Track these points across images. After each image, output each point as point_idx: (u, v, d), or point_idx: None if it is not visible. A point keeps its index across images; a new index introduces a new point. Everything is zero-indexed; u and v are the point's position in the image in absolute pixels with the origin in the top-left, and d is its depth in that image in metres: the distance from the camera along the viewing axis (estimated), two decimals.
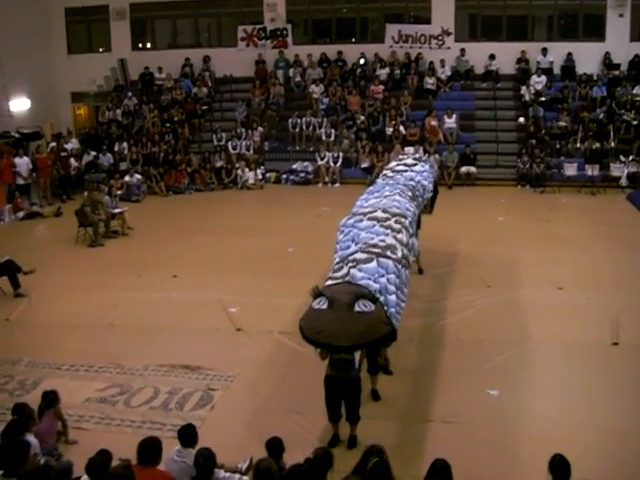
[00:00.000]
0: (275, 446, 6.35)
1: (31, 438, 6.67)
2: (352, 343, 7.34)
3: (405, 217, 9.87)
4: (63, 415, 8.05)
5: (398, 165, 12.94)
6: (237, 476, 6.40)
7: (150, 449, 6.17)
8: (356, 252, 8.71)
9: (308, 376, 8.78)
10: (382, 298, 7.84)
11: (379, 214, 9.74)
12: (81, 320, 11.87)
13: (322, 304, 7.57)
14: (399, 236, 9.27)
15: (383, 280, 8.13)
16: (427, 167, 13.13)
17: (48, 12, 27.19)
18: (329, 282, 8.23)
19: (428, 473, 5.82)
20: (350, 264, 8.38)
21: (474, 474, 6.87)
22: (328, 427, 8.08)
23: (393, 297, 8.06)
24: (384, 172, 12.99)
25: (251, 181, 23.11)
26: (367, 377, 8.86)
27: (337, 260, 8.96)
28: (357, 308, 7.43)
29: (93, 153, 23.87)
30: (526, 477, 7.19)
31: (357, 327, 7.31)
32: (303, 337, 7.55)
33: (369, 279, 8.04)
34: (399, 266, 8.62)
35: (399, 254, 8.84)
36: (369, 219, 9.60)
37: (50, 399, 7.84)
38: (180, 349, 10.59)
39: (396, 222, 9.57)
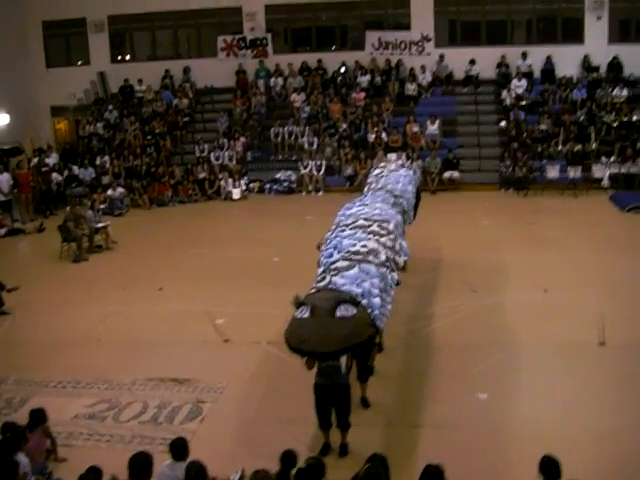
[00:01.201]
0: (290, 458, 6.29)
1: (21, 457, 6.61)
2: (337, 348, 7.34)
3: (388, 222, 9.88)
4: (52, 433, 7.99)
5: (382, 176, 12.88)
6: None
7: (141, 464, 6.15)
8: (338, 260, 8.72)
9: (297, 385, 8.76)
10: (365, 301, 7.85)
11: (361, 222, 9.77)
12: (67, 336, 11.78)
13: (304, 312, 7.59)
14: (382, 240, 9.28)
15: (366, 284, 8.14)
16: (410, 173, 13.16)
17: (25, 26, 26.99)
18: (312, 290, 8.27)
19: (420, 478, 5.81)
20: (332, 272, 8.40)
21: (465, 478, 6.86)
22: (319, 436, 8.07)
23: (377, 300, 8.06)
24: (369, 181, 12.96)
25: (236, 197, 22.95)
26: (357, 384, 8.86)
27: (321, 270, 8.97)
28: (338, 313, 7.45)
29: (75, 167, 23.69)
30: (517, 479, 7.22)
31: (340, 332, 7.32)
32: (288, 348, 7.55)
33: (351, 284, 8.06)
34: (382, 269, 8.64)
35: (382, 257, 8.85)
36: (351, 228, 9.61)
37: (38, 417, 7.77)
38: (168, 362, 10.54)
39: (379, 227, 9.59)
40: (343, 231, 9.60)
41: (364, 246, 8.99)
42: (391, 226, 9.81)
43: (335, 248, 9.25)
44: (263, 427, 8.59)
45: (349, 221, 9.99)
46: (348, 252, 8.88)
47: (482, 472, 7.39)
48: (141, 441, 8.38)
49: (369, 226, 9.60)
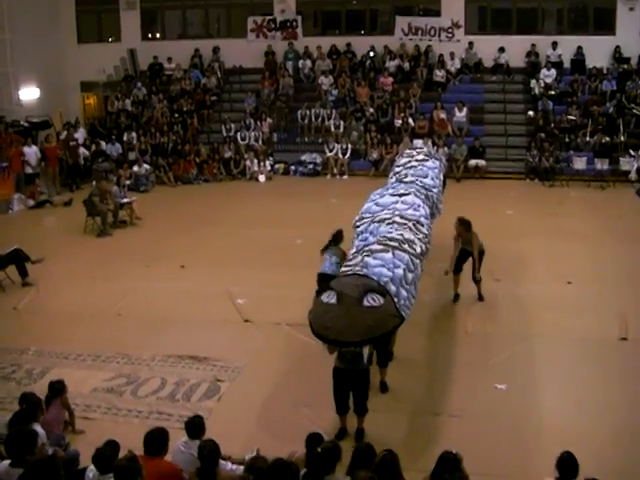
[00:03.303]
0: (316, 440, 6.27)
1: (38, 428, 6.66)
2: (360, 339, 7.36)
3: (422, 224, 9.90)
4: (70, 405, 8.07)
5: (411, 166, 12.76)
6: (243, 468, 6.37)
7: (157, 440, 6.16)
8: (373, 244, 8.73)
9: (315, 368, 8.78)
10: (394, 288, 7.83)
11: (397, 219, 9.74)
12: (88, 310, 11.87)
13: (331, 298, 7.57)
14: (420, 236, 9.32)
15: (398, 271, 8.13)
16: (438, 164, 13.06)
17: (58, 1, 27.12)
18: (342, 268, 8.27)
19: (436, 466, 5.80)
20: (365, 253, 8.41)
21: (481, 468, 6.83)
22: (335, 420, 8.08)
23: (405, 290, 8.07)
24: (396, 170, 12.83)
25: (262, 180, 22.98)
26: (376, 369, 8.87)
27: (353, 250, 8.97)
28: (366, 302, 7.44)
29: (102, 142, 23.85)
30: (533, 472, 7.17)
31: (366, 322, 7.32)
32: (312, 332, 7.56)
33: (383, 266, 8.05)
34: (417, 261, 8.67)
35: (418, 250, 8.87)
36: (387, 224, 9.59)
37: (57, 389, 7.85)
38: (187, 340, 10.59)
39: (414, 226, 9.59)
40: (378, 228, 9.56)
41: (401, 235, 9.01)
42: (425, 229, 9.84)
43: (371, 233, 9.27)
44: (280, 408, 8.61)
45: (385, 216, 9.92)
46: (384, 237, 8.90)
47: (498, 463, 7.37)
48: (158, 417, 8.44)
49: (404, 224, 9.58)
